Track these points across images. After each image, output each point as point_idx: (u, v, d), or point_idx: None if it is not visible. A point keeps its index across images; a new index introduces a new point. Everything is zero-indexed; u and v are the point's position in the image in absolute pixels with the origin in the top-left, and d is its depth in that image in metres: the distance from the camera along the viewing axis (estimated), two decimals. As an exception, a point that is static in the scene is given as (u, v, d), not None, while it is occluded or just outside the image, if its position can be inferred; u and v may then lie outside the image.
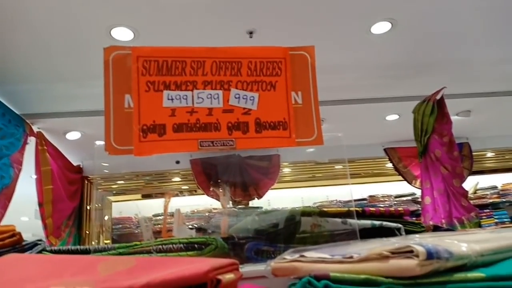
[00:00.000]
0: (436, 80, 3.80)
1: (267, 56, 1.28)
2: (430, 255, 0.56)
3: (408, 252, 0.58)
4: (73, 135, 4.56)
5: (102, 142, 1.07)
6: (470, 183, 5.51)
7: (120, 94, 1.12)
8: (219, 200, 4.87)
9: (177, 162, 4.91)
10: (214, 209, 5.37)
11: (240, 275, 0.75)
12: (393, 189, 5.84)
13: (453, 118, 3.71)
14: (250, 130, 1.17)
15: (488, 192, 5.69)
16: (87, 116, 4.08)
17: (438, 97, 3.56)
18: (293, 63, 1.30)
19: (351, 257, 0.65)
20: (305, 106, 1.25)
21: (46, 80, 3.54)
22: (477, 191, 5.73)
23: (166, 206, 1.19)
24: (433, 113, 3.53)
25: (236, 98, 1.20)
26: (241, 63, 1.24)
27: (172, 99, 1.15)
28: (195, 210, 5.46)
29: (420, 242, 0.60)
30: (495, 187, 5.75)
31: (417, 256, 0.56)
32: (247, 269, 0.92)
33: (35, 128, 4.10)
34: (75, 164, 5.06)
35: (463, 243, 0.63)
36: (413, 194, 5.69)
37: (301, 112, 1.24)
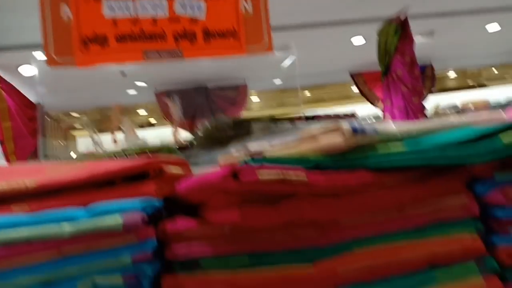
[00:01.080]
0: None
1: None
2: (355, 131, 0.59)
3: (336, 131, 0.61)
4: (28, 70, 4.33)
5: (42, 55, 1.02)
6: (432, 104, 5.71)
7: (56, 4, 1.06)
8: (188, 130, 4.88)
9: (123, 73, 4.51)
10: (184, 141, 5.39)
11: (189, 172, 0.78)
12: (358, 111, 6.00)
13: (417, 39, 3.71)
14: (198, 40, 1.14)
15: (448, 111, 5.95)
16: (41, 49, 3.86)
17: (402, 17, 3.54)
18: (242, -31, 1.24)
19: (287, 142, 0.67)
20: (255, 14, 1.22)
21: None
22: (438, 110, 5.97)
23: (114, 116, 1.18)
24: (396, 33, 3.53)
25: (181, 6, 1.15)
26: (186, -31, 1.18)
27: (113, 9, 1.09)
28: (163, 142, 5.47)
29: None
30: (455, 106, 6.00)
31: (343, 133, 0.59)
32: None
33: (-16, 64, 3.86)
34: (34, 100, 4.86)
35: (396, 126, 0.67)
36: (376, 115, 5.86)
37: (251, 20, 1.21)
